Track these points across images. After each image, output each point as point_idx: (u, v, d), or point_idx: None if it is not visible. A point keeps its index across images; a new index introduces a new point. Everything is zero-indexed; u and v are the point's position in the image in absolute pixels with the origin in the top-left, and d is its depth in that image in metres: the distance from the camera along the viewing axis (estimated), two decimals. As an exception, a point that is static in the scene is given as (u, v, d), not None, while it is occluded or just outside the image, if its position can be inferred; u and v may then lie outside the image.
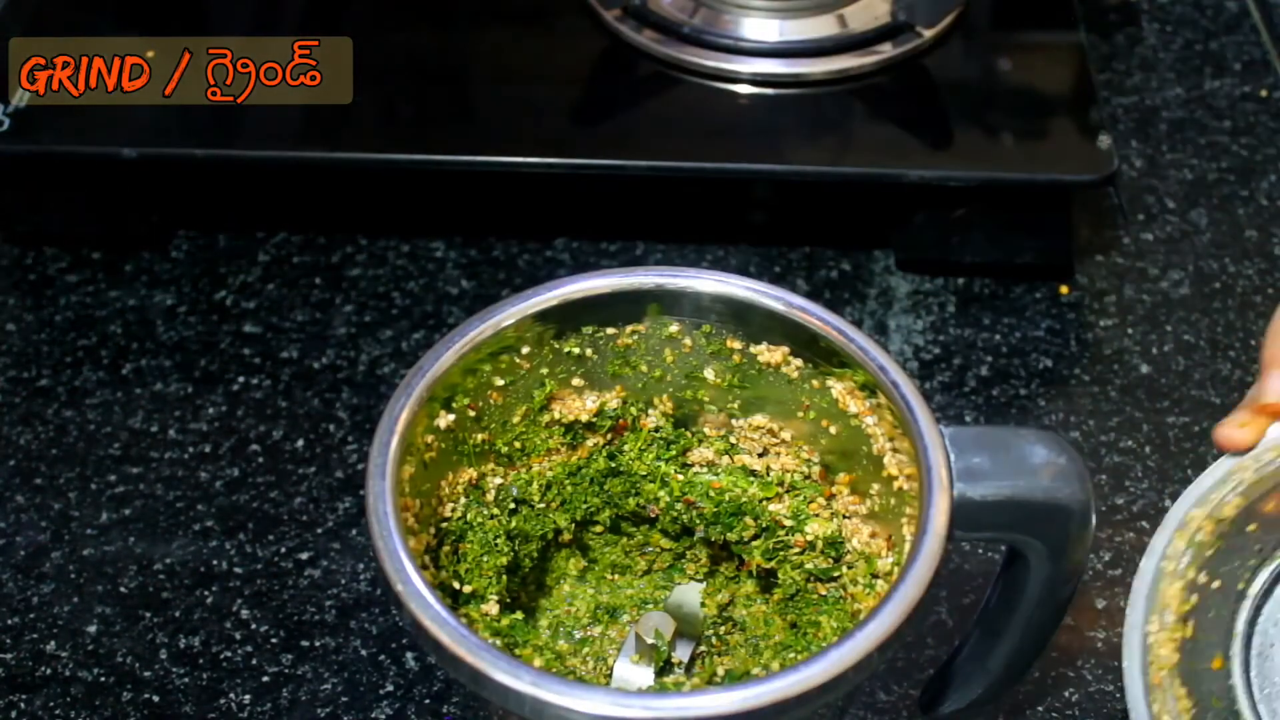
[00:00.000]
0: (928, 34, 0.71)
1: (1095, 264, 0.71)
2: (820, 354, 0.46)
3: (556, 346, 0.48)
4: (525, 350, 0.47)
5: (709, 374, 0.49)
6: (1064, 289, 0.70)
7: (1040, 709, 0.55)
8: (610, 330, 0.48)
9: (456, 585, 0.46)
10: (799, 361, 0.47)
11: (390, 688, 0.56)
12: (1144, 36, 0.84)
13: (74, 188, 0.70)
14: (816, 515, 0.48)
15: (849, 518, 0.48)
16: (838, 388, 0.46)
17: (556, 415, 0.49)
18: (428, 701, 0.55)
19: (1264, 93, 0.80)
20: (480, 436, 0.48)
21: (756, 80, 0.70)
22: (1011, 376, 0.66)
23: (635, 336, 0.48)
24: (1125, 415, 0.65)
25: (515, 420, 0.48)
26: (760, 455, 0.50)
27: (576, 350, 0.48)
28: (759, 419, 0.49)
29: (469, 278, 0.71)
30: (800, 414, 0.48)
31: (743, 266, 0.71)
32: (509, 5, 0.76)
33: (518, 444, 0.49)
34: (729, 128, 0.69)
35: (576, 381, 0.49)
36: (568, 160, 0.66)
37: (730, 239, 0.72)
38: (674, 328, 0.48)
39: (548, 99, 0.70)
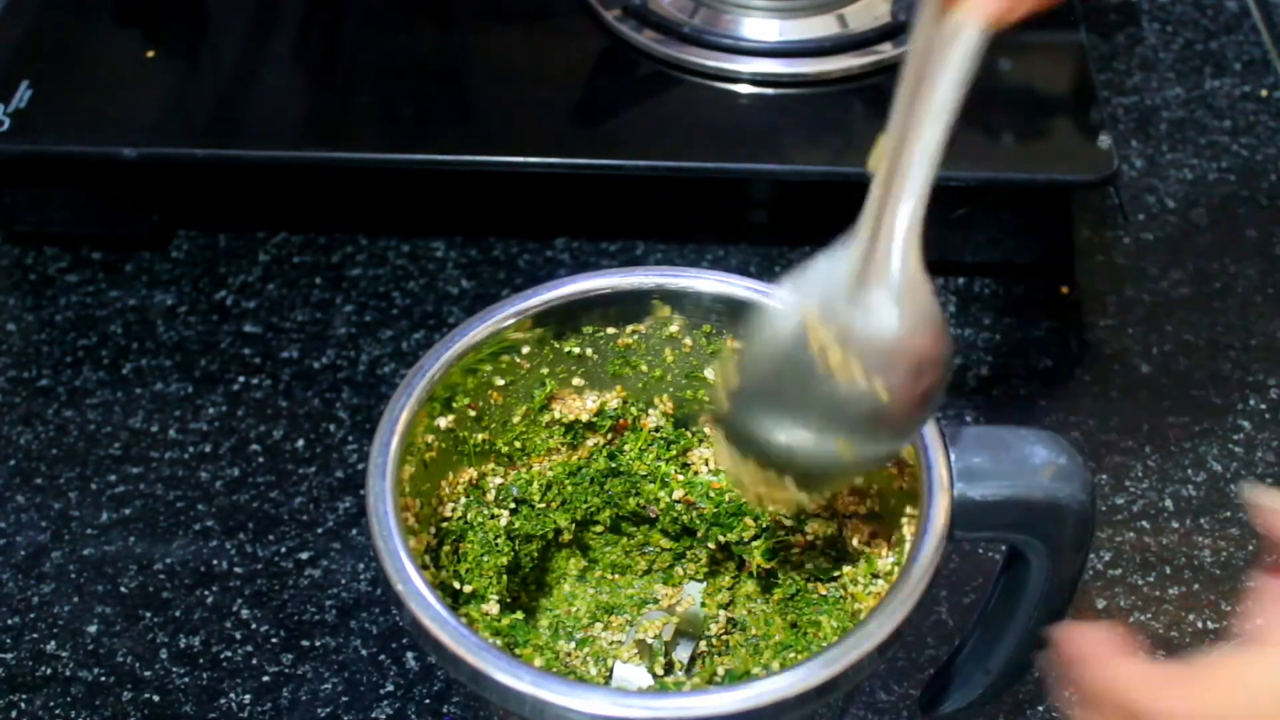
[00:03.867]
0: (928, 34, 0.71)
1: (1095, 264, 0.71)
2: (820, 354, 0.46)
3: (557, 346, 0.48)
4: (525, 350, 0.47)
5: (709, 374, 0.49)
6: (1064, 289, 0.70)
7: (1040, 709, 0.55)
8: (610, 330, 0.48)
9: (457, 585, 0.46)
10: (799, 361, 0.47)
11: (390, 687, 0.56)
12: (1144, 36, 0.84)
13: (74, 188, 0.70)
14: (816, 515, 0.48)
15: (849, 518, 0.48)
16: (838, 388, 0.46)
17: (557, 415, 0.49)
18: (428, 701, 0.55)
19: (1264, 93, 0.80)
20: (480, 436, 0.48)
21: (756, 80, 0.70)
22: (1011, 376, 0.66)
23: (635, 336, 0.48)
24: (1125, 415, 0.65)
25: (515, 420, 0.48)
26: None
27: (577, 350, 0.48)
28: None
29: (469, 278, 0.71)
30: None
31: (743, 266, 0.71)
32: (509, 5, 0.76)
33: (518, 444, 0.49)
34: (729, 128, 0.68)
35: (577, 381, 0.49)
36: (568, 160, 0.66)
37: (730, 239, 0.72)
38: (674, 328, 0.48)
39: (548, 99, 0.70)
